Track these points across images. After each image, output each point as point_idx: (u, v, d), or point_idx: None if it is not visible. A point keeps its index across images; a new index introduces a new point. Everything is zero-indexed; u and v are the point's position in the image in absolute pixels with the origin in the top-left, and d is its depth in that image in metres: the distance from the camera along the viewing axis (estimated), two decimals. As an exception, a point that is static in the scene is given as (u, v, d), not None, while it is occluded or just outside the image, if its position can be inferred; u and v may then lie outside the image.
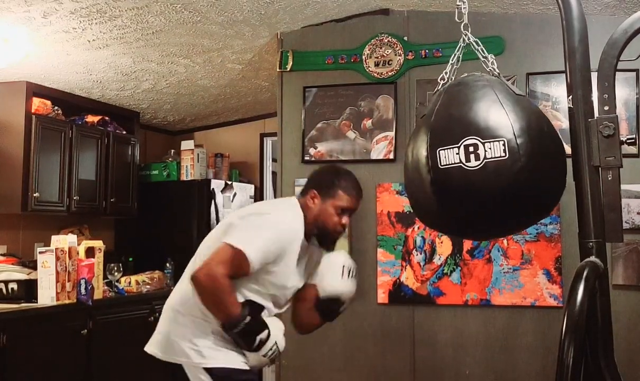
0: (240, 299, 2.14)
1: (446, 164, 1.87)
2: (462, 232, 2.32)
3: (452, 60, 2.19)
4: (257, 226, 2.15)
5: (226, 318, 2.08)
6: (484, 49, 2.13)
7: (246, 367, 2.19)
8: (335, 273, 2.34)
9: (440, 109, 2.01)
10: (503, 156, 1.80)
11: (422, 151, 1.95)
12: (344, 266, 2.35)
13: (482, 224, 2.01)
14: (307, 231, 2.27)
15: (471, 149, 1.83)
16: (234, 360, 2.16)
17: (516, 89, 1.99)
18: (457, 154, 1.84)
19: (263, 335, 2.12)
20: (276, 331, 2.19)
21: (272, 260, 2.14)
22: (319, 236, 2.30)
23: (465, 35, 2.13)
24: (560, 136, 2.02)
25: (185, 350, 2.18)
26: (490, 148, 1.81)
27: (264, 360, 2.19)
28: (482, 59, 2.13)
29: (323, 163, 3.73)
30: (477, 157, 1.82)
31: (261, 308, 2.20)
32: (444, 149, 1.88)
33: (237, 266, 2.06)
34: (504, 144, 1.81)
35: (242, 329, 2.08)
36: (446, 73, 2.16)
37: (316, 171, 2.42)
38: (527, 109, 1.92)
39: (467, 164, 1.83)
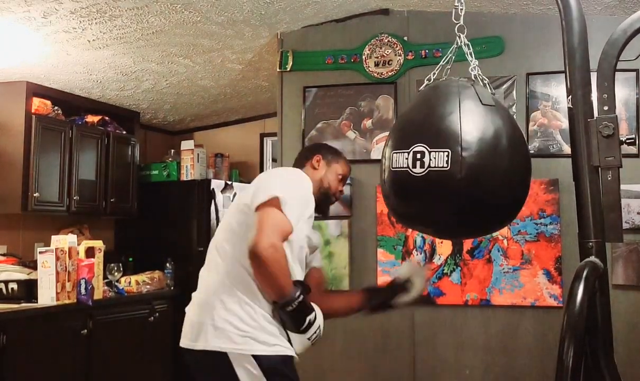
0: None
1: (397, 167, 1.94)
2: (423, 231, 2.42)
3: (442, 62, 2.19)
4: (288, 179, 2.18)
5: (282, 293, 1.98)
6: (472, 52, 2.12)
7: (293, 354, 2.10)
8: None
9: (408, 111, 2.09)
10: (445, 167, 1.83)
11: (385, 152, 2.04)
12: None
13: (434, 227, 2.10)
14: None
15: (418, 156, 1.87)
16: (282, 347, 2.06)
17: (487, 97, 1.96)
18: (406, 159, 1.90)
19: (312, 315, 2.05)
20: (319, 314, 2.11)
21: (303, 214, 2.13)
22: (320, 201, 2.31)
23: (459, 37, 2.13)
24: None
25: (231, 337, 2.00)
26: (435, 157, 1.85)
27: (307, 344, 2.10)
28: (470, 62, 2.12)
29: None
30: (422, 165, 1.86)
31: (307, 288, 2.11)
32: (396, 152, 1.95)
33: (284, 227, 2.01)
34: (447, 155, 1.83)
35: (296, 307, 1.99)
36: (434, 74, 2.17)
37: (313, 144, 2.55)
38: (488, 121, 1.90)
39: (413, 169, 1.88)
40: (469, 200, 1.87)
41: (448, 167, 1.83)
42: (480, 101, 1.93)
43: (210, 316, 2.05)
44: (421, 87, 2.15)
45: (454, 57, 2.19)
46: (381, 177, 2.07)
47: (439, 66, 2.19)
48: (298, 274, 2.16)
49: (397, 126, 2.09)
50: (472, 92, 1.95)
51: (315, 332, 2.07)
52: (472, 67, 2.09)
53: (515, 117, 3.47)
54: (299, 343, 2.09)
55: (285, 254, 1.99)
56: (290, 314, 2.00)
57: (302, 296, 2.01)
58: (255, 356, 2.00)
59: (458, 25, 2.12)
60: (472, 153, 1.84)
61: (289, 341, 2.09)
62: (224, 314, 2.03)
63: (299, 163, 2.43)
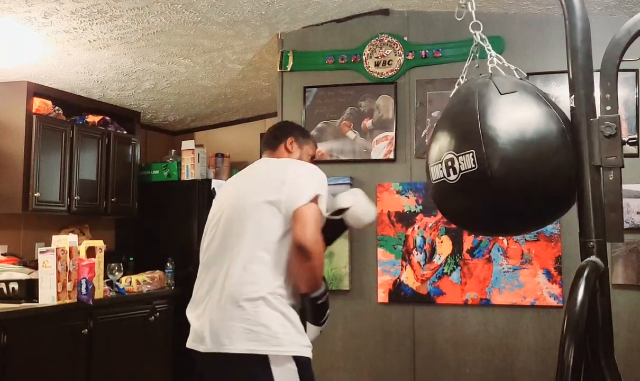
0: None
1: (436, 179, 1.99)
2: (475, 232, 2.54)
3: (467, 63, 2.19)
4: (318, 177, 2.16)
5: (318, 286, 2.06)
6: (490, 47, 2.13)
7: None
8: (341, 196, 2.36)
9: (439, 122, 2.11)
10: (473, 168, 1.84)
11: (427, 166, 2.08)
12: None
13: (481, 229, 2.14)
14: None
15: (449, 163, 1.90)
16: (307, 349, 2.07)
17: (507, 85, 1.93)
18: (440, 169, 1.94)
19: (329, 307, 2.15)
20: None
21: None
22: None
23: (475, 34, 2.14)
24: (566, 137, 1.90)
25: (278, 337, 1.98)
26: (463, 161, 1.86)
27: (318, 335, 2.16)
28: (489, 55, 2.12)
29: (323, 163, 3.74)
30: (454, 171, 1.89)
31: (327, 282, 2.18)
32: (433, 165, 2.00)
33: (321, 222, 2.08)
34: (472, 156, 1.84)
35: (325, 300, 2.09)
36: (462, 77, 2.18)
37: (281, 124, 2.55)
38: (508, 110, 1.87)
39: (448, 178, 1.91)
40: (505, 194, 1.84)
41: (476, 167, 1.83)
42: (499, 92, 1.91)
43: (245, 318, 2.00)
44: (450, 95, 2.16)
45: (478, 56, 2.19)
46: (431, 195, 2.14)
47: (465, 68, 2.18)
48: None
49: (431, 139, 2.10)
50: (490, 85, 1.94)
51: (327, 323, 2.18)
52: (490, 60, 2.09)
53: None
54: (312, 333, 2.15)
55: (321, 241, 2.04)
56: (319, 306, 2.09)
57: (326, 288, 2.12)
58: (295, 357, 2.01)
59: (472, 22, 2.12)
60: (497, 147, 1.82)
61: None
62: (267, 315, 2.00)
63: (272, 145, 2.38)
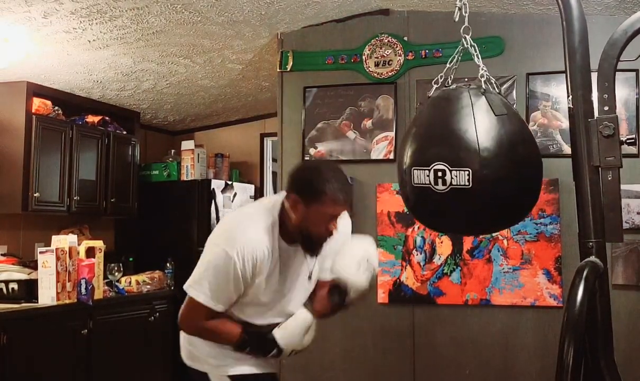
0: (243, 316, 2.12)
1: (418, 183, 1.99)
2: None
3: (449, 64, 2.20)
4: (209, 265, 2.01)
5: (230, 344, 2.10)
6: (479, 55, 2.13)
7: (265, 370, 2.18)
8: (351, 262, 2.17)
9: (423, 124, 2.13)
10: (467, 185, 1.89)
11: (403, 165, 2.08)
12: (362, 259, 2.18)
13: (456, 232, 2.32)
14: (288, 236, 2.04)
15: (439, 174, 1.93)
16: (252, 365, 2.15)
17: (499, 106, 1.98)
18: (427, 176, 1.95)
19: (274, 352, 2.10)
20: (291, 337, 2.10)
21: (247, 284, 2.01)
22: (304, 242, 2.03)
23: (464, 38, 2.13)
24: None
25: (208, 359, 2.16)
26: (456, 176, 1.90)
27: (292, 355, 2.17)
28: (478, 65, 2.13)
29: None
30: (444, 182, 1.92)
31: (260, 331, 2.10)
32: (417, 169, 2.00)
33: (207, 312, 2.03)
34: (468, 174, 1.89)
35: (249, 351, 2.10)
36: (441, 76, 2.18)
37: (297, 169, 2.09)
38: (503, 133, 1.94)
39: (435, 186, 1.94)
40: (488, 208, 1.97)
41: (470, 185, 1.89)
42: (494, 112, 1.96)
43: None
44: (430, 93, 2.17)
45: (460, 59, 2.19)
46: (402, 190, 2.14)
47: (446, 68, 2.19)
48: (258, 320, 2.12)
49: (414, 139, 2.07)
50: (484, 103, 1.98)
51: (290, 354, 2.14)
52: (481, 73, 2.10)
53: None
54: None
55: (210, 327, 2.07)
56: (249, 353, 2.11)
57: (248, 348, 2.09)
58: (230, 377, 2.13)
59: (464, 26, 2.12)
60: (493, 169, 1.90)
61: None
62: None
63: (286, 192, 2.07)
